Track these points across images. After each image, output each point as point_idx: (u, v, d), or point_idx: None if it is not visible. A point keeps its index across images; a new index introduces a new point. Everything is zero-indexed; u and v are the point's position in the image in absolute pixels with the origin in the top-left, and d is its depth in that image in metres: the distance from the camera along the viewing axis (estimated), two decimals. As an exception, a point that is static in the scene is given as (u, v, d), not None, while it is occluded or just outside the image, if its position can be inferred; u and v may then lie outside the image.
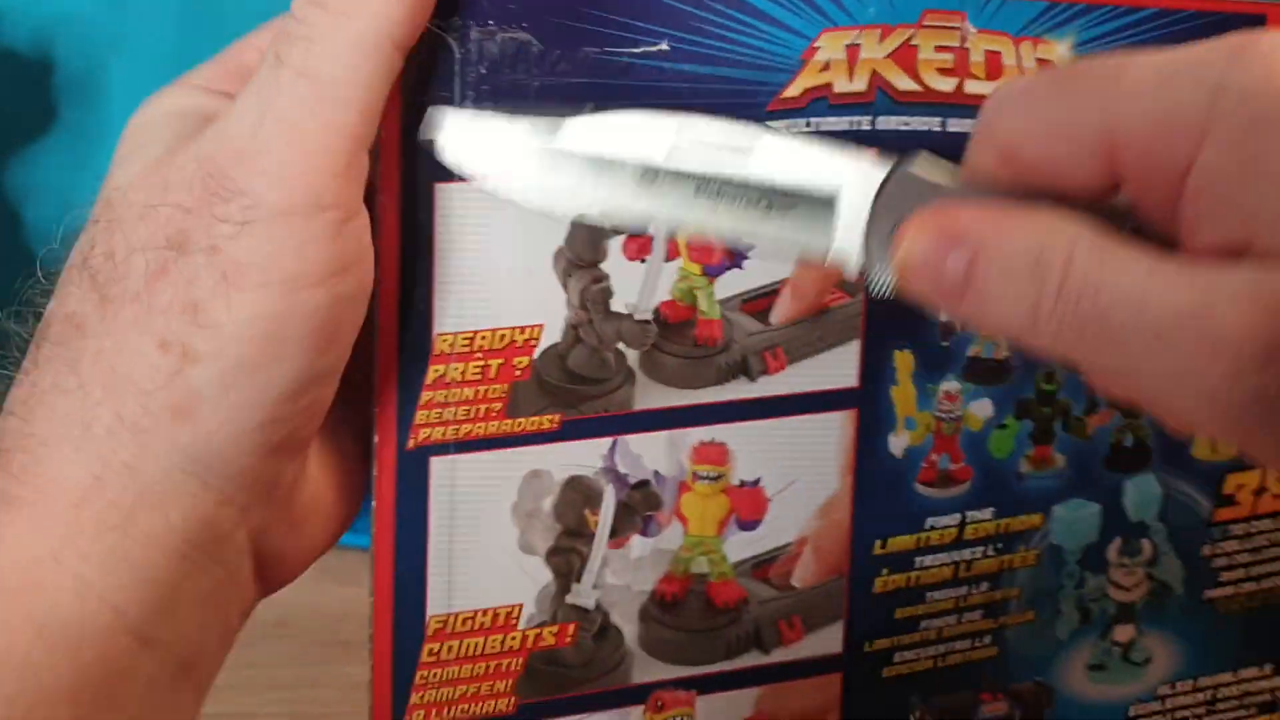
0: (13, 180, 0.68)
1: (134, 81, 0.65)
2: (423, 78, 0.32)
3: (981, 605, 0.39)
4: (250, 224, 0.30)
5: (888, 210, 0.28)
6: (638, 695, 0.37)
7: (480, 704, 0.36)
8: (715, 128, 0.30)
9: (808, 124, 0.35)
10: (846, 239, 0.29)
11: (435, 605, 0.35)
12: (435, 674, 0.36)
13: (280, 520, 0.34)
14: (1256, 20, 0.38)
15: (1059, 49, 0.36)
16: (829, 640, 0.38)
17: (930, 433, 0.37)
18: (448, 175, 0.33)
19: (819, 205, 0.29)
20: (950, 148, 0.35)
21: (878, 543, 0.38)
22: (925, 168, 0.29)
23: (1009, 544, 0.39)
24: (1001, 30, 0.36)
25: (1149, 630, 0.40)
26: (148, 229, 0.31)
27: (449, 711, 0.36)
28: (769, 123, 0.35)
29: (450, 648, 0.36)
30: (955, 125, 0.36)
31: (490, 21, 0.32)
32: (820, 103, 0.35)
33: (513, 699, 0.36)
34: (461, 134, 0.32)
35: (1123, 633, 0.40)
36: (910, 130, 0.36)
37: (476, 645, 0.36)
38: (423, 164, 0.33)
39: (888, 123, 0.35)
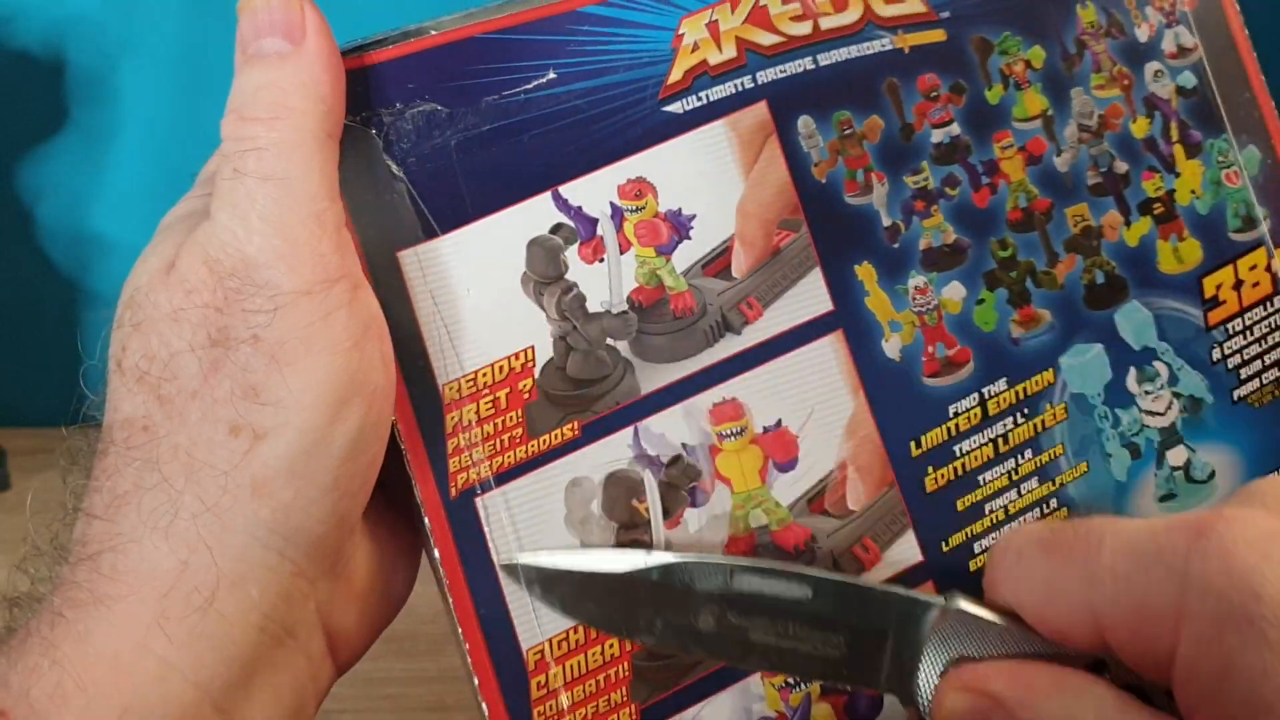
0: (24, 179, 0.68)
1: (144, 83, 0.67)
2: (357, 168, 0.36)
3: (1034, 473, 0.40)
4: (280, 309, 0.34)
5: (938, 645, 0.34)
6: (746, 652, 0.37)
7: (603, 720, 0.37)
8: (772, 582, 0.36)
9: (699, 98, 0.39)
10: (897, 670, 0.35)
11: (527, 638, 0.36)
12: (550, 706, 0.36)
13: (345, 594, 0.36)
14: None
15: (889, -30, 0.41)
16: (907, 552, 0.39)
17: (917, 328, 0.39)
18: (406, 241, 0.37)
19: (873, 638, 0.35)
20: (827, 80, 0.39)
21: (912, 444, 0.39)
22: (970, 603, 0.35)
23: (1034, 406, 0.40)
24: (833, -31, 0.40)
25: (1200, 445, 0.41)
26: (187, 331, 0.34)
27: (575, 737, 0.36)
28: (665, 109, 0.39)
29: (555, 675, 0.36)
30: (825, 59, 0.40)
31: (396, 104, 0.37)
32: (703, 78, 0.39)
33: (632, 707, 0.37)
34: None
35: (1176, 456, 0.41)
36: (787, 76, 0.39)
37: (579, 664, 0.37)
38: (379, 238, 0.36)
39: (766, 75, 0.39)
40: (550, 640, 0.36)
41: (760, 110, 0.39)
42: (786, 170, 0.39)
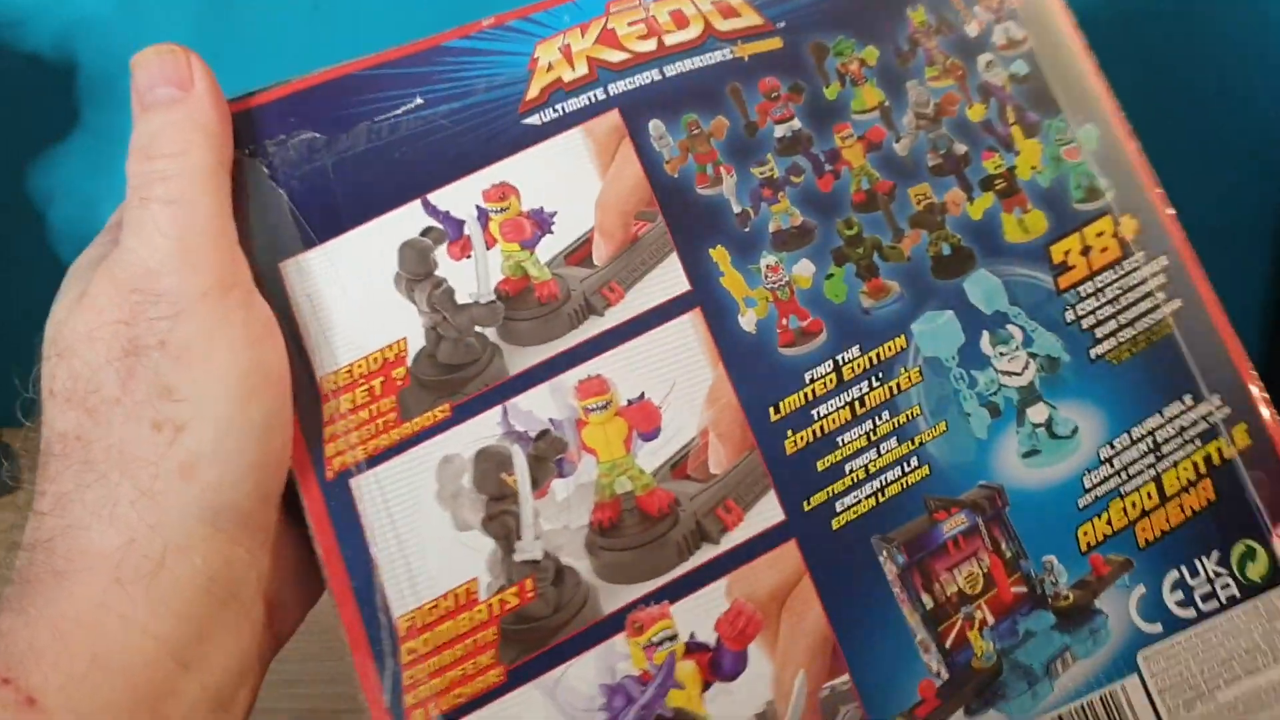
0: (35, 182, 0.69)
1: None
2: (245, 192, 0.40)
3: (892, 433, 0.42)
4: (181, 314, 0.37)
5: None
6: (614, 625, 0.39)
7: (471, 683, 0.38)
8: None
9: (555, 110, 0.43)
10: None
11: (398, 606, 0.38)
12: (421, 669, 0.38)
13: (281, 568, 0.40)
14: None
15: (728, -11, 0.44)
16: (769, 512, 0.40)
17: (771, 303, 0.42)
18: (288, 252, 0.40)
19: None
20: (674, 88, 0.43)
21: (771, 410, 0.41)
22: None
23: (888, 370, 0.42)
24: (675, -8, 0.44)
25: (1060, 402, 0.42)
26: (102, 348, 0.37)
27: (445, 700, 0.38)
28: (524, 121, 0.42)
29: (425, 640, 0.38)
30: (671, 70, 0.43)
31: (279, 135, 0.41)
32: (558, 93, 0.43)
33: (501, 668, 0.38)
34: None
35: (1037, 413, 0.42)
36: (637, 87, 0.43)
37: (447, 630, 0.39)
38: (265, 251, 0.40)
39: (617, 87, 0.43)
40: (420, 607, 0.38)
41: (613, 117, 0.43)
42: (640, 167, 0.42)
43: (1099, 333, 0.43)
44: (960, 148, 0.44)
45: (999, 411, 0.42)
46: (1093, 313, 0.43)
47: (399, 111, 0.42)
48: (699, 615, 0.40)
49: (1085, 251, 0.44)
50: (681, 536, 0.40)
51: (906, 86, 0.45)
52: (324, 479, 0.39)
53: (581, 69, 0.43)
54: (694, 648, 0.39)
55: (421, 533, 0.39)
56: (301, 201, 0.41)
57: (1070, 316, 0.43)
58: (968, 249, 0.43)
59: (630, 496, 0.40)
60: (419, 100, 0.42)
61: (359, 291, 0.40)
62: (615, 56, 0.43)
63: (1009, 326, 0.43)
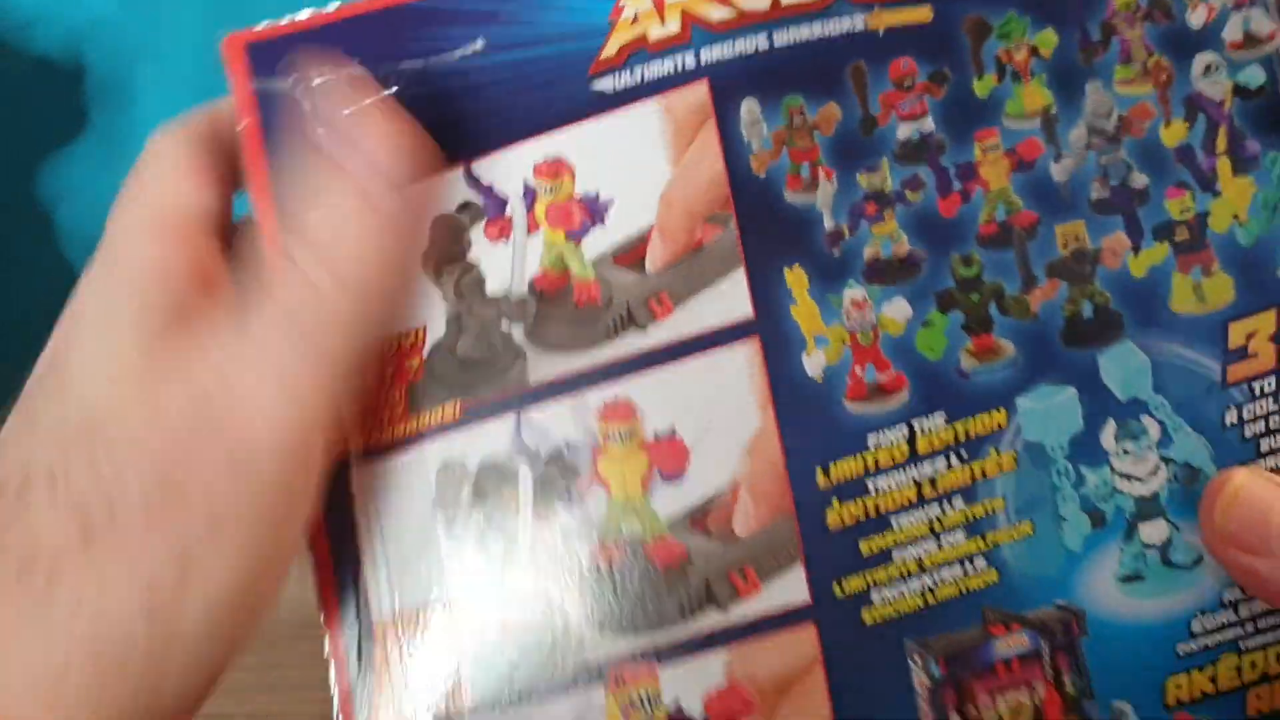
0: (44, 183, 0.70)
1: (163, 87, 0.68)
2: (279, 134, 0.36)
3: (961, 525, 0.35)
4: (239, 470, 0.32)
5: None
6: (596, 676, 0.36)
7: (438, 703, 0.36)
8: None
9: (632, 75, 0.36)
10: None
11: (378, 609, 0.36)
12: (391, 676, 0.36)
13: None
14: None
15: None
16: (791, 588, 0.35)
17: (846, 346, 0.35)
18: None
19: None
20: (781, 62, 0.35)
21: (819, 472, 0.35)
22: None
23: (975, 449, 0.34)
24: (808, -67, 0.35)
25: (1188, 524, 0.34)
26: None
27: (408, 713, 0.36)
28: (594, 86, 0.36)
29: (399, 648, 0.36)
30: (782, 38, 0.35)
31: (325, 66, 0.36)
32: (639, 54, 0.36)
33: (472, 695, 0.36)
34: None
35: (1152, 532, 0.34)
36: (736, 55, 0.35)
37: (426, 641, 0.36)
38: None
39: (711, 53, 0.35)
40: (401, 613, 0.36)
41: (700, 91, 0.35)
42: (721, 160, 0.35)
43: (1264, 446, 0.34)
44: (1139, 179, 0.34)
45: (1103, 521, 0.34)
46: (1263, 419, 0.34)
47: (457, 54, 0.36)
48: (689, 685, 0.35)
49: (1277, 338, 0.34)
50: (687, 595, 0.35)
51: (1086, 89, 0.35)
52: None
53: (673, 25, 0.35)
54: (676, 718, 0.36)
55: (413, 539, 0.36)
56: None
57: (1231, 419, 0.34)
58: (1116, 314, 0.34)
59: (638, 543, 0.36)
60: (480, 43, 0.36)
61: (384, 264, 0.36)
62: (717, 13, 0.35)
63: (1145, 419, 0.34)
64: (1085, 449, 0.34)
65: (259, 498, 0.31)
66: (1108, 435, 0.34)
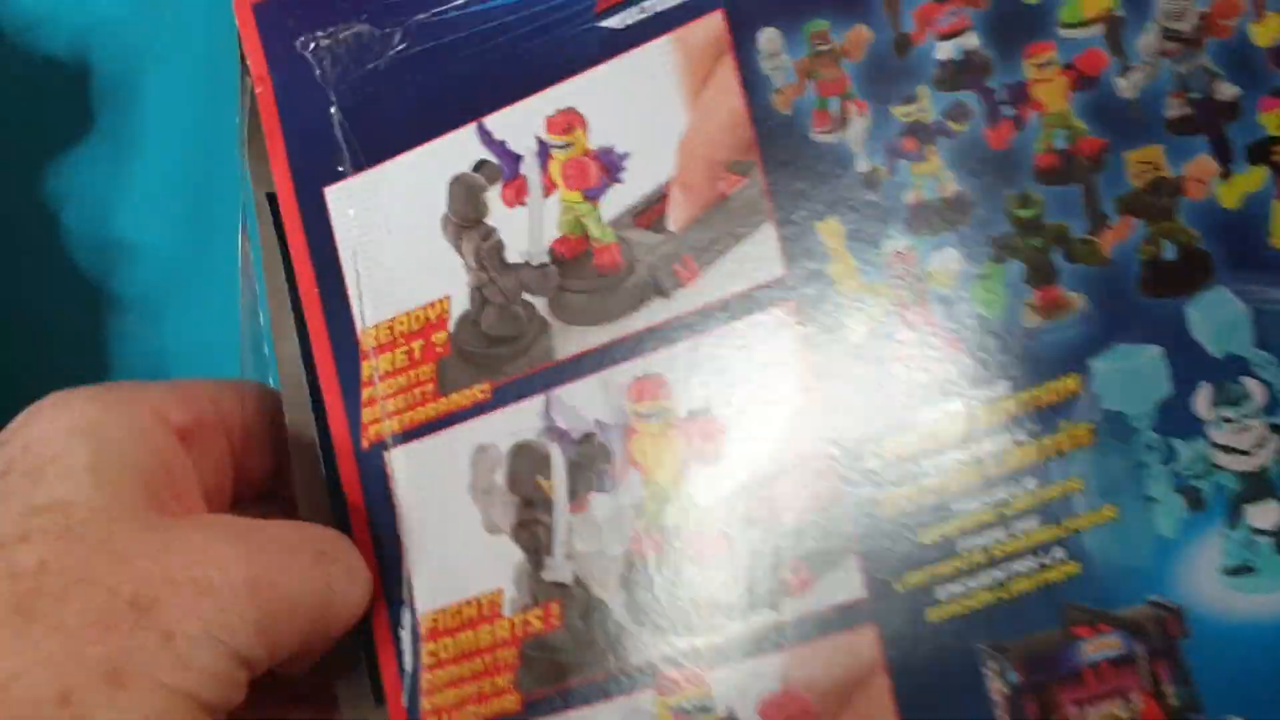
0: (50, 186, 0.68)
1: (169, 88, 0.65)
2: (293, 96, 0.35)
3: (1034, 509, 0.30)
4: None
5: None
6: (644, 677, 0.33)
7: (486, 704, 0.34)
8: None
9: (641, 9, 0.32)
10: None
11: (424, 603, 0.35)
12: (439, 676, 0.35)
13: None
14: None
15: None
16: (846, 583, 0.31)
17: (894, 306, 0.30)
18: (334, 175, 0.35)
19: None
20: None
21: (869, 453, 0.31)
22: None
23: (1045, 421, 0.29)
24: None
25: (1307, 505, 0.28)
26: None
27: (460, 715, 0.34)
28: (601, 24, 0.32)
29: (446, 645, 0.35)
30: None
31: (330, 25, 0.35)
32: (647, -13, 0.32)
33: (517, 695, 0.34)
34: None
35: (1263, 515, 0.28)
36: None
37: (470, 639, 0.34)
38: (309, 171, 0.35)
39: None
40: (445, 609, 0.35)
41: (714, 21, 0.31)
42: (741, 98, 0.31)
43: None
44: (1227, 90, 0.28)
45: (1201, 503, 0.28)
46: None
47: (460, 2, 0.33)
48: (742, 691, 0.32)
49: None
50: (734, 595, 0.32)
51: (1159, -18, 0.28)
52: (359, 448, 0.35)
53: None
54: (727, 727, 0.32)
55: (452, 526, 0.35)
56: (351, 114, 0.35)
57: (1359, 377, 0.27)
58: (1205, 254, 0.28)
59: (677, 534, 0.33)
60: None
61: (404, 232, 0.35)
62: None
63: (1246, 380, 0.28)
64: (1176, 417, 0.28)
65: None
66: (1202, 400, 0.28)
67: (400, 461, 0.35)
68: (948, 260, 0.30)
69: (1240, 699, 0.28)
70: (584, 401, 0.33)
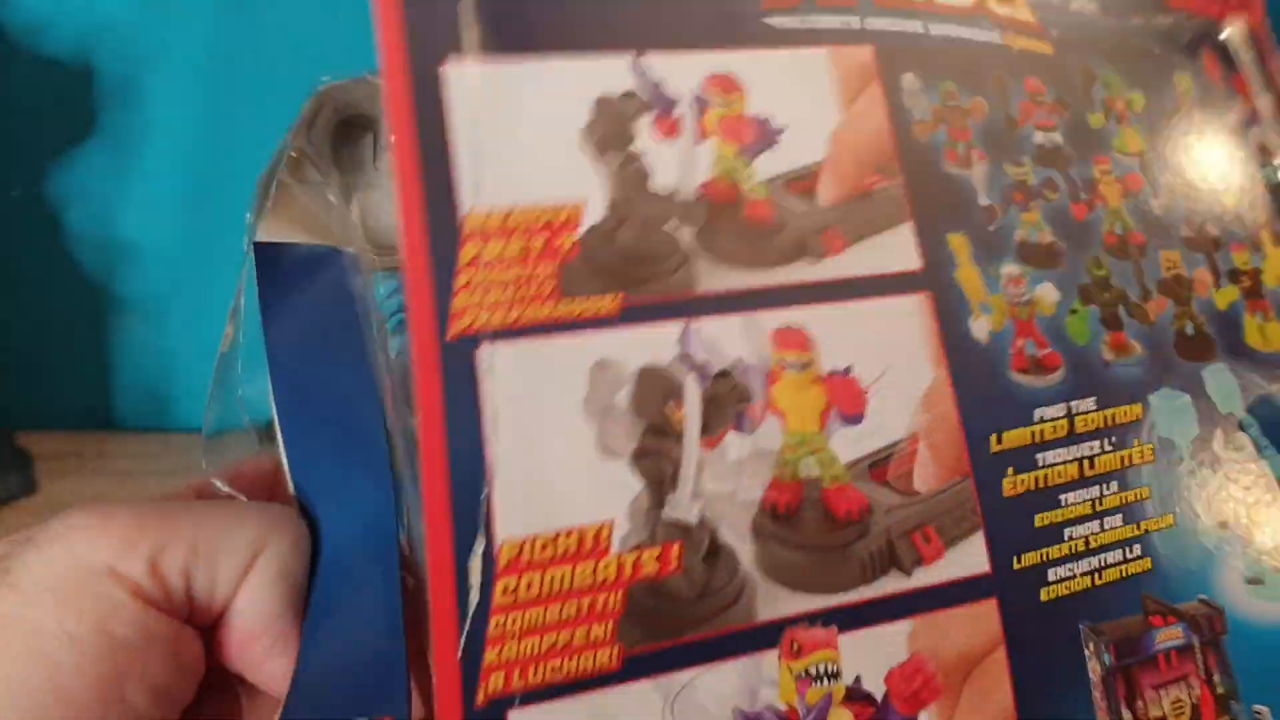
0: (54, 185, 0.67)
1: (173, 89, 0.67)
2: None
3: (1119, 509, 0.33)
4: None
5: None
6: (768, 636, 0.29)
7: (576, 658, 0.27)
8: None
9: (802, 21, 0.35)
10: None
11: (506, 527, 0.27)
12: (514, 620, 0.27)
13: None
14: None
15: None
16: (973, 556, 0.31)
17: (1008, 318, 0.34)
18: (458, 52, 0.30)
19: None
20: (936, 48, 0.36)
21: (993, 437, 0.32)
22: None
23: (1122, 437, 0.34)
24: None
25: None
26: None
27: (536, 671, 0.27)
28: (766, 20, 0.34)
29: (529, 583, 0.27)
30: (936, 29, 0.36)
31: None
32: (809, 5, 0.35)
33: (616, 649, 0.28)
34: None
35: (1263, 538, 0.35)
36: (897, 30, 0.36)
37: (562, 577, 0.28)
38: (422, 42, 0.30)
39: (875, 23, 0.36)
40: (533, 539, 0.28)
41: (866, 53, 0.35)
42: (887, 117, 0.35)
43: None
44: (1212, 229, 0.38)
45: (1227, 524, 0.35)
46: (1324, 451, 0.37)
47: None
48: (871, 657, 0.30)
49: (1323, 383, 0.38)
50: (869, 553, 0.30)
51: (1168, 147, 0.39)
52: (442, 336, 0.28)
53: None
54: (856, 695, 0.29)
55: (556, 443, 0.28)
56: (493, 4, 0.31)
57: (1303, 447, 0.37)
58: (1209, 336, 0.37)
59: (816, 485, 0.30)
60: None
61: (539, 131, 0.31)
62: (881, -7, 0.36)
63: (1242, 435, 0.36)
64: (1204, 451, 0.35)
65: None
66: (1218, 443, 0.35)
67: (497, 359, 0.28)
68: (1049, 292, 0.35)
69: (1266, 689, 0.33)
70: (724, 337, 0.31)
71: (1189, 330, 0.36)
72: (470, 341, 0.28)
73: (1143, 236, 0.37)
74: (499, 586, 0.27)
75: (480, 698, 0.26)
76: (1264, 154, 0.40)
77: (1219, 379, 0.36)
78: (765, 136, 0.33)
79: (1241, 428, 0.36)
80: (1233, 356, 0.37)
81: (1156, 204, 0.38)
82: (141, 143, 0.65)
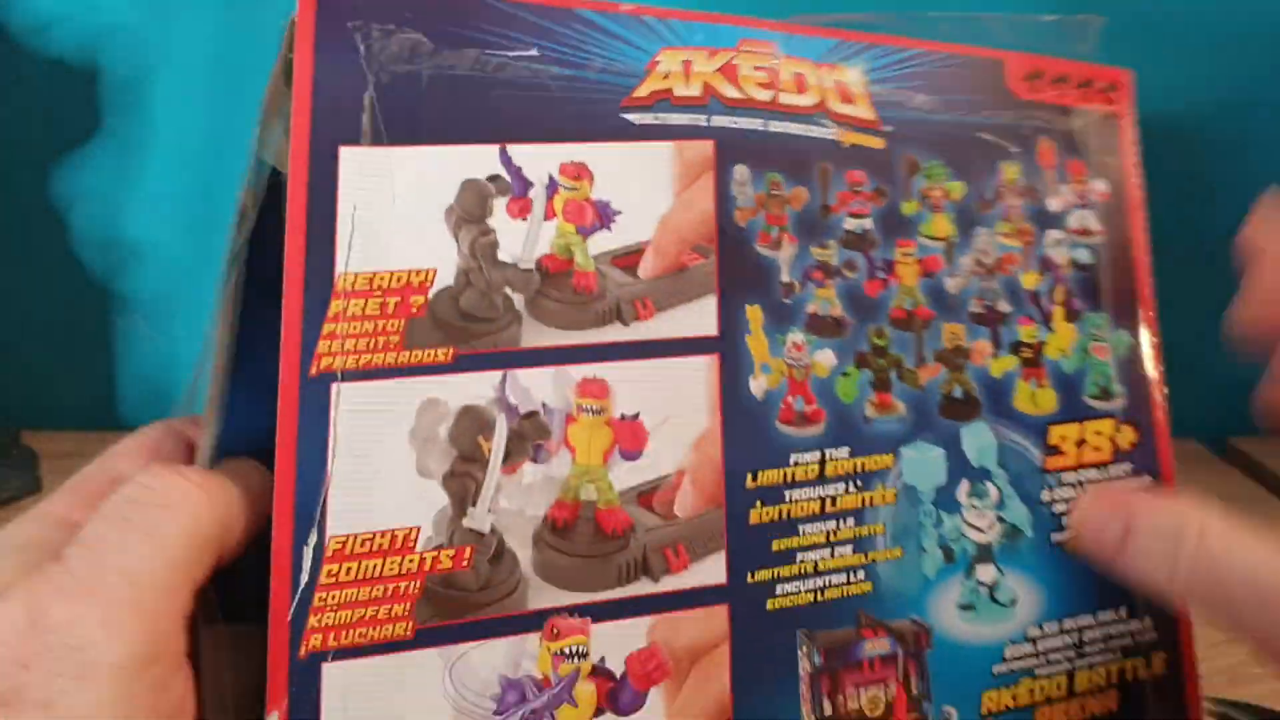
0: (59, 187, 0.70)
1: (178, 91, 0.69)
2: (332, 68, 0.39)
3: (850, 540, 0.42)
4: (86, 679, 0.31)
5: None
6: (534, 622, 0.38)
7: (378, 627, 0.37)
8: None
9: (656, 117, 0.43)
10: None
11: (335, 526, 0.37)
12: (334, 596, 0.37)
13: None
14: (995, 64, 0.47)
15: (850, 75, 0.45)
16: (713, 570, 0.40)
17: (784, 377, 0.42)
18: (353, 139, 0.39)
19: None
20: (771, 144, 0.43)
21: (749, 476, 0.41)
22: None
23: (867, 481, 0.42)
24: (804, 57, 0.45)
25: (1009, 571, 0.43)
26: None
27: (347, 635, 0.37)
28: (624, 115, 0.42)
29: (349, 569, 0.37)
30: (775, 126, 0.44)
31: (389, 23, 0.40)
32: (664, 103, 0.43)
33: (411, 623, 0.37)
34: None
35: (985, 572, 0.43)
36: (738, 128, 0.43)
37: (374, 567, 0.37)
38: (330, 129, 0.39)
39: (720, 120, 0.43)
40: (355, 536, 0.37)
41: (707, 147, 0.43)
42: (713, 204, 0.42)
43: (1065, 522, 0.44)
44: (1004, 306, 0.45)
45: (953, 558, 0.43)
46: (1066, 501, 0.44)
47: (512, 54, 0.41)
48: (615, 643, 0.39)
49: (1080, 443, 0.45)
50: (625, 562, 0.40)
51: (977, 230, 0.46)
52: (306, 374, 0.38)
53: (695, 89, 0.43)
54: (599, 672, 0.39)
55: (383, 463, 0.38)
56: (385, 97, 0.40)
57: (1046, 497, 0.44)
58: (977, 399, 0.44)
59: (591, 506, 0.40)
60: (535, 52, 0.41)
61: (408, 208, 0.39)
62: (730, 92, 0.43)
63: (989, 484, 0.44)
64: (945, 499, 0.43)
65: (101, 705, 0.31)
66: (962, 491, 0.43)
67: (344, 394, 0.38)
68: (826, 357, 0.43)
69: (954, 694, 0.42)
70: (535, 385, 0.40)
71: (957, 393, 0.44)
72: (327, 378, 0.38)
73: (931, 312, 0.44)
74: (324, 570, 0.37)
75: (302, 652, 0.37)
76: (1084, 234, 0.47)
77: (977, 436, 0.44)
78: (603, 218, 0.41)
79: (990, 478, 0.44)
80: (996, 417, 0.44)
81: (952, 283, 0.45)
82: (146, 144, 0.67)
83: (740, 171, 0.43)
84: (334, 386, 0.38)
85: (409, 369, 0.39)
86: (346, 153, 0.39)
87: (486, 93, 0.41)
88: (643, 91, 0.42)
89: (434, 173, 0.40)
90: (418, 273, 0.39)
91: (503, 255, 0.40)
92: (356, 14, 0.39)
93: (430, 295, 0.39)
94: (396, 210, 0.39)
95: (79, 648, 0.31)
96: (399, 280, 0.39)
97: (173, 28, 0.68)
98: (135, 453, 0.40)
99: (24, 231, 0.70)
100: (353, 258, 0.39)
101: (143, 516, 0.34)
